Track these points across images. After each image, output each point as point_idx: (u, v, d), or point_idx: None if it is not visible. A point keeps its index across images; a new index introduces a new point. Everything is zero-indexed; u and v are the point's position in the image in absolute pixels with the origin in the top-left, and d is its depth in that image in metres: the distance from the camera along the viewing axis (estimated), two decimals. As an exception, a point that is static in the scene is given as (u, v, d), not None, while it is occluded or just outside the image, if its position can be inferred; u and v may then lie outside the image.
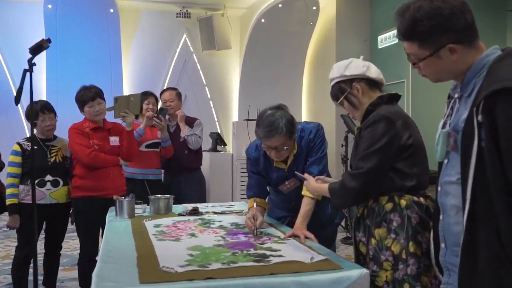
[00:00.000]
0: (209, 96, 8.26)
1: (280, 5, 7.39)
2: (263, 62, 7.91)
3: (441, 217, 1.54)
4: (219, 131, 7.89)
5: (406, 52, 1.53)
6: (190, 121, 4.23)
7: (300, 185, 2.47)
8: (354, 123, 5.73)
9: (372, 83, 1.95)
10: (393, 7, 6.93)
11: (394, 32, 6.26)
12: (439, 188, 1.55)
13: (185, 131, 4.11)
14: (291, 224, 2.54)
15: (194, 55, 8.20)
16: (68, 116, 3.76)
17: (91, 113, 3.30)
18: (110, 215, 2.82)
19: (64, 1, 7.11)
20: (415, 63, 1.51)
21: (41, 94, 6.97)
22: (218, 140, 7.19)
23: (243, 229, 2.41)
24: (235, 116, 8.32)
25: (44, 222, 3.38)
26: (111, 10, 7.46)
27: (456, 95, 1.50)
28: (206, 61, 8.27)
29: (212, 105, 8.27)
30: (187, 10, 7.94)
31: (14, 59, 7.18)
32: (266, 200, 2.80)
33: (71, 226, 3.44)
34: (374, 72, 1.95)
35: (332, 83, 1.99)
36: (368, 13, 7.31)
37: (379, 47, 7.04)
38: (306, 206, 2.37)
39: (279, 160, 2.44)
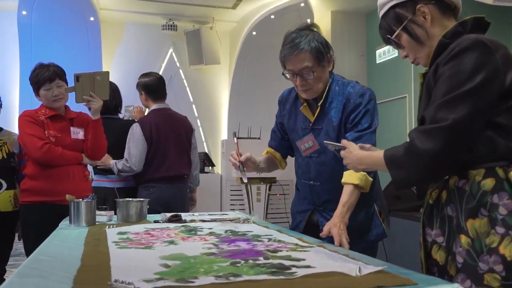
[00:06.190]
0: (196, 115, 7.63)
1: (272, 16, 6.94)
2: (254, 77, 7.42)
3: None
4: (206, 151, 7.27)
5: None
6: None
7: (321, 150, 1.90)
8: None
9: (445, 7, 1.31)
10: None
11: (393, 46, 5.89)
12: None
13: None
14: (309, 225, 1.93)
15: (180, 70, 7.68)
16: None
17: (48, 98, 2.60)
18: (64, 223, 2.10)
19: (40, 7, 6.53)
20: None
21: (14, 107, 6.21)
22: (205, 161, 6.69)
23: (243, 236, 1.71)
24: (224, 134, 7.67)
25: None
26: (91, 19, 6.87)
27: None
28: (194, 77, 7.71)
29: (199, 124, 7.63)
30: (173, 23, 7.41)
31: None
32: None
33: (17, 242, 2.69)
34: None
35: (384, 10, 1.35)
36: (364, 27, 7.08)
37: (377, 62, 6.72)
38: (350, 197, 1.69)
39: (306, 96, 1.94)
